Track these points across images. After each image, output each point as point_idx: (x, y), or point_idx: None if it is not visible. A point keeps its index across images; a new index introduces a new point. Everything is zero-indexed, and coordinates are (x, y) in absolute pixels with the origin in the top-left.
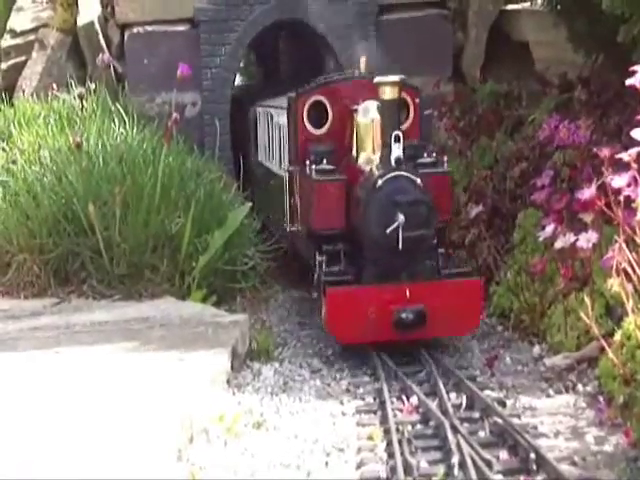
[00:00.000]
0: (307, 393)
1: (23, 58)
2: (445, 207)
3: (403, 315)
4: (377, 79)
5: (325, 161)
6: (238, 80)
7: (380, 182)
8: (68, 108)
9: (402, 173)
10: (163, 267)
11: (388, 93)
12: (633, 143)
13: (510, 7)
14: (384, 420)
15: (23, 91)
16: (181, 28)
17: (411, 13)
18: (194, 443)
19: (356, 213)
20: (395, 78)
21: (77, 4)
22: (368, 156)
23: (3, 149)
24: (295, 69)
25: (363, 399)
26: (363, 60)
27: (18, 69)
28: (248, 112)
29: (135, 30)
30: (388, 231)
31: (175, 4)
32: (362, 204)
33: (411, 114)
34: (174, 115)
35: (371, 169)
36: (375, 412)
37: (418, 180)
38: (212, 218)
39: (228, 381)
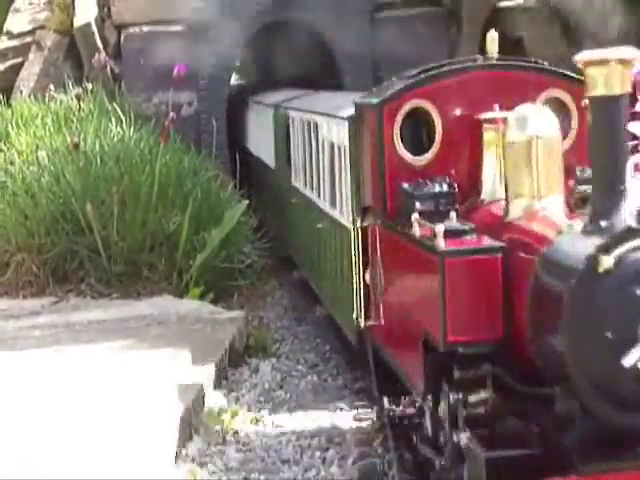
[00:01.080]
0: (304, 389)
1: (20, 59)
2: None
3: None
4: (583, 55)
5: (454, 215)
6: (234, 80)
7: (608, 261)
8: (65, 108)
9: None
10: (161, 265)
11: (608, 84)
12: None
13: (503, 4)
14: (380, 414)
15: (21, 92)
16: (177, 28)
17: (406, 11)
18: (193, 440)
19: (534, 316)
20: (625, 52)
21: (74, 5)
22: (528, 204)
23: (1, 150)
24: (293, 68)
25: (359, 394)
26: (492, 36)
27: (15, 70)
28: (246, 111)
29: (131, 30)
30: (627, 362)
31: (171, 4)
32: (557, 302)
33: (573, 124)
34: (171, 114)
35: (561, 232)
36: (372, 407)
37: None
38: (209, 216)
39: (226, 377)
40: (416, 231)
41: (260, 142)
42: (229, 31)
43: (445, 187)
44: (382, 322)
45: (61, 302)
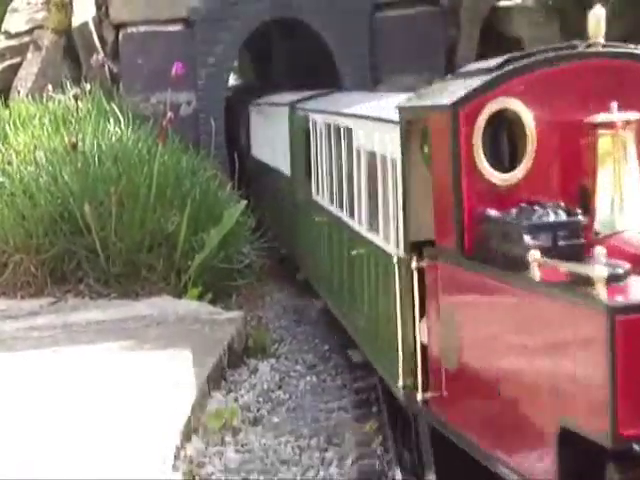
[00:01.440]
0: (303, 389)
1: (18, 59)
2: None
3: None
4: None
5: (602, 253)
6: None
7: None
8: (63, 109)
9: None
10: (159, 266)
11: None
12: None
13: (502, 4)
14: (380, 415)
15: (18, 92)
16: (175, 28)
17: (404, 10)
18: (192, 440)
19: None
20: None
21: (71, 5)
22: None
23: None
24: (291, 69)
25: (359, 394)
26: (598, 15)
27: (13, 70)
28: (247, 111)
29: (129, 30)
30: None
31: (169, 4)
32: None
33: None
34: (169, 114)
35: None
36: (371, 407)
37: None
38: (208, 216)
39: (225, 378)
40: (535, 275)
41: (268, 145)
42: (227, 31)
43: (563, 215)
44: (445, 393)
45: (59, 302)
